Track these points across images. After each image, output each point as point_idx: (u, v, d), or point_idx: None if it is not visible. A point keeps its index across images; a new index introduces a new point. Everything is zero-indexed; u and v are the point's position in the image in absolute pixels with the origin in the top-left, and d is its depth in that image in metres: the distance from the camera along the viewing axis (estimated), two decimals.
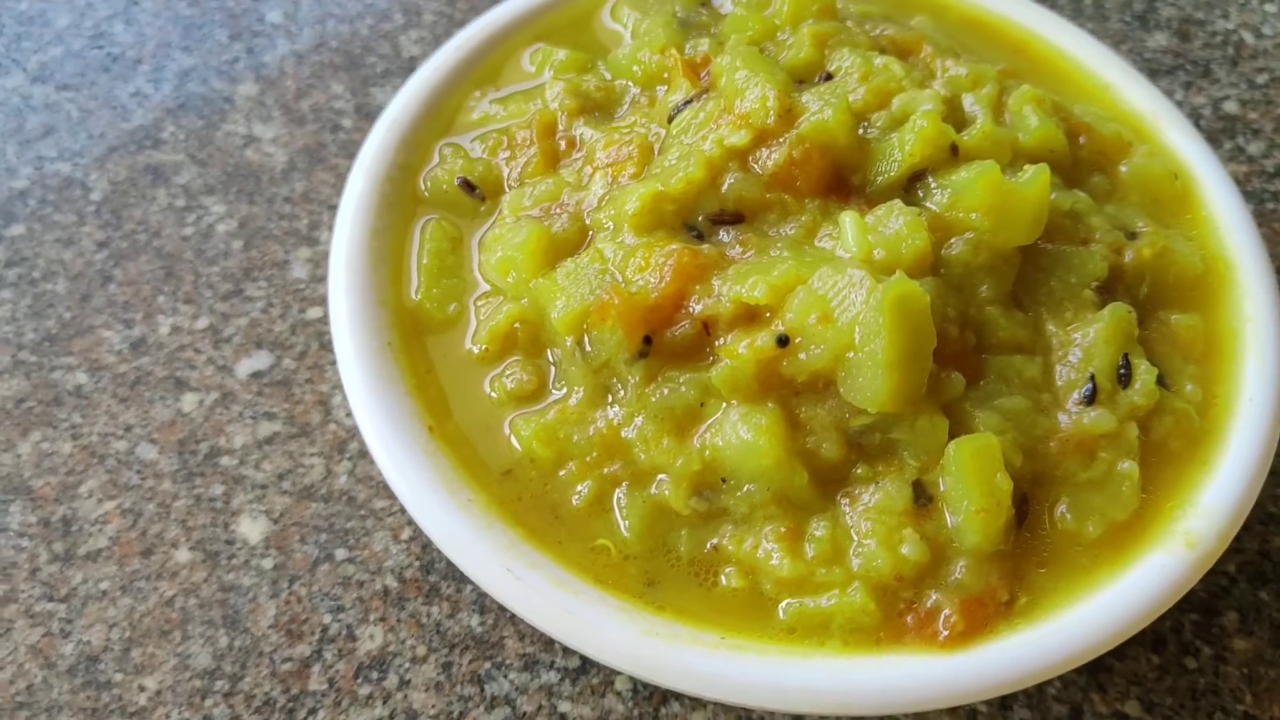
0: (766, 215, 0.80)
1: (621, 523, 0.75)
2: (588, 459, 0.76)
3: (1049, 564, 0.73)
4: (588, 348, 0.77)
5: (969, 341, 0.77)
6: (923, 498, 0.73)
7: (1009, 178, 0.79)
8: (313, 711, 0.84)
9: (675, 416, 0.75)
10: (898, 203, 0.77)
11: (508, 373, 0.81)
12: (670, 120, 0.85)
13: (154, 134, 1.17)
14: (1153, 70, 1.27)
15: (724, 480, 0.74)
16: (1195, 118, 1.22)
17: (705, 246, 0.78)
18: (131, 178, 1.14)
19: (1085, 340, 0.78)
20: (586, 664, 0.86)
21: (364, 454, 0.96)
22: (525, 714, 0.84)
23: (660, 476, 0.75)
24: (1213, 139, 1.20)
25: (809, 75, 0.90)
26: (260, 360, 1.02)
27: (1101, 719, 0.85)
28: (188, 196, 1.12)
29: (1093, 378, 0.77)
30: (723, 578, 0.74)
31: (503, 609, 0.88)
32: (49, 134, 1.17)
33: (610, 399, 0.77)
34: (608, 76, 0.94)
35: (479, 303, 0.84)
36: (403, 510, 0.92)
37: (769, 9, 0.96)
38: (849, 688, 0.67)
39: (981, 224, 0.78)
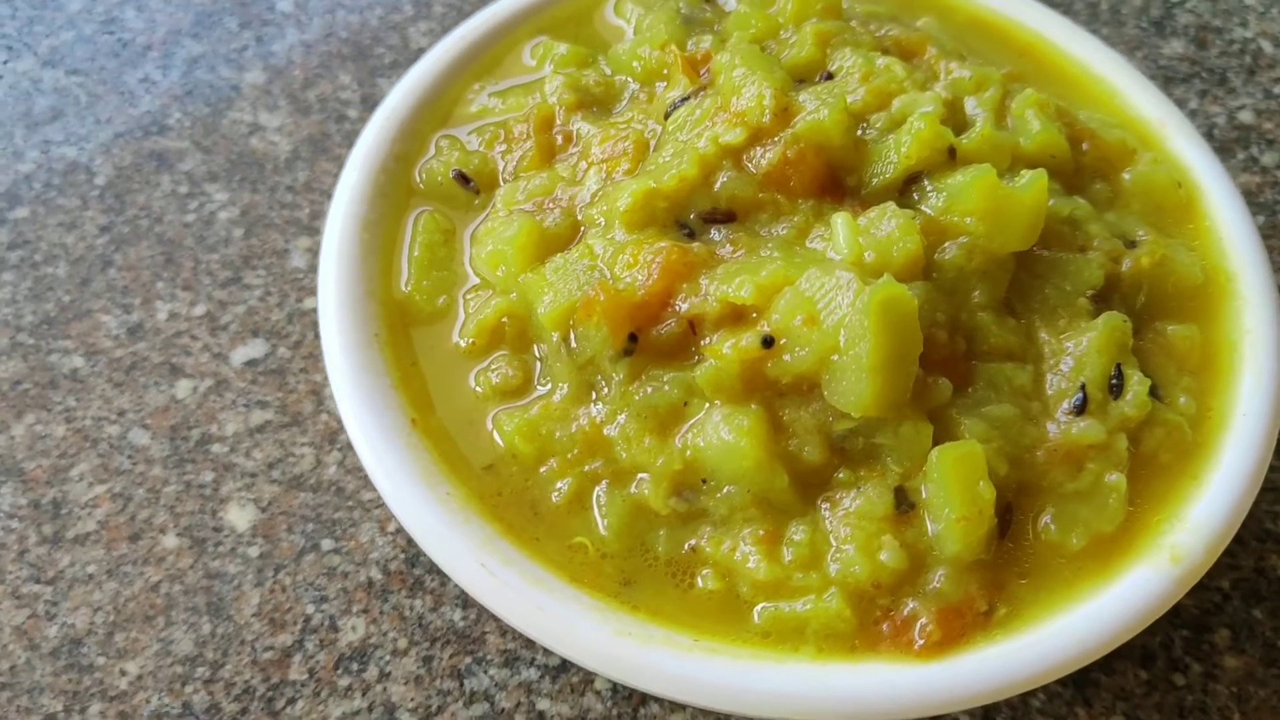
0: (759, 215, 0.80)
1: (600, 521, 0.75)
2: (569, 456, 0.76)
3: (1031, 575, 0.72)
4: (573, 344, 0.76)
5: (959, 347, 0.76)
6: (904, 504, 0.72)
7: (1006, 182, 0.78)
8: (291, 701, 0.84)
9: (658, 415, 0.74)
10: (891, 205, 0.76)
11: (493, 367, 0.80)
12: (667, 117, 0.85)
13: (160, 120, 1.18)
14: (1168, 78, 1.25)
15: (704, 481, 0.73)
16: (1209, 127, 1.21)
17: (695, 245, 0.77)
18: (136, 163, 1.14)
19: (1078, 349, 0.77)
20: (567, 662, 0.85)
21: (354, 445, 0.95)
22: (504, 710, 0.84)
23: (641, 475, 0.74)
24: (1226, 149, 1.19)
25: (810, 74, 0.89)
26: (255, 348, 1.02)
27: None
28: (191, 183, 1.13)
29: (1083, 387, 0.76)
30: (699, 579, 0.73)
31: None
32: (57, 118, 1.18)
33: (594, 396, 0.77)
34: (608, 72, 0.94)
35: (468, 296, 0.84)
36: None
37: (773, 7, 0.96)
38: (821, 695, 0.67)
39: (976, 229, 0.77)
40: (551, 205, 0.84)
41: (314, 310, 1.03)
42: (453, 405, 0.79)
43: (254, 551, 0.91)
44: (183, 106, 1.19)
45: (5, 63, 1.22)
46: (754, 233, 0.79)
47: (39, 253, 1.07)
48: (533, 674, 0.85)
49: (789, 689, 0.67)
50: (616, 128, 0.86)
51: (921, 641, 0.69)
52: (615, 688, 0.84)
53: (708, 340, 0.74)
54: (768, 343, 0.72)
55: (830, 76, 0.88)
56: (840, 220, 0.76)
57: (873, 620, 0.70)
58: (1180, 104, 1.22)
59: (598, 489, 0.75)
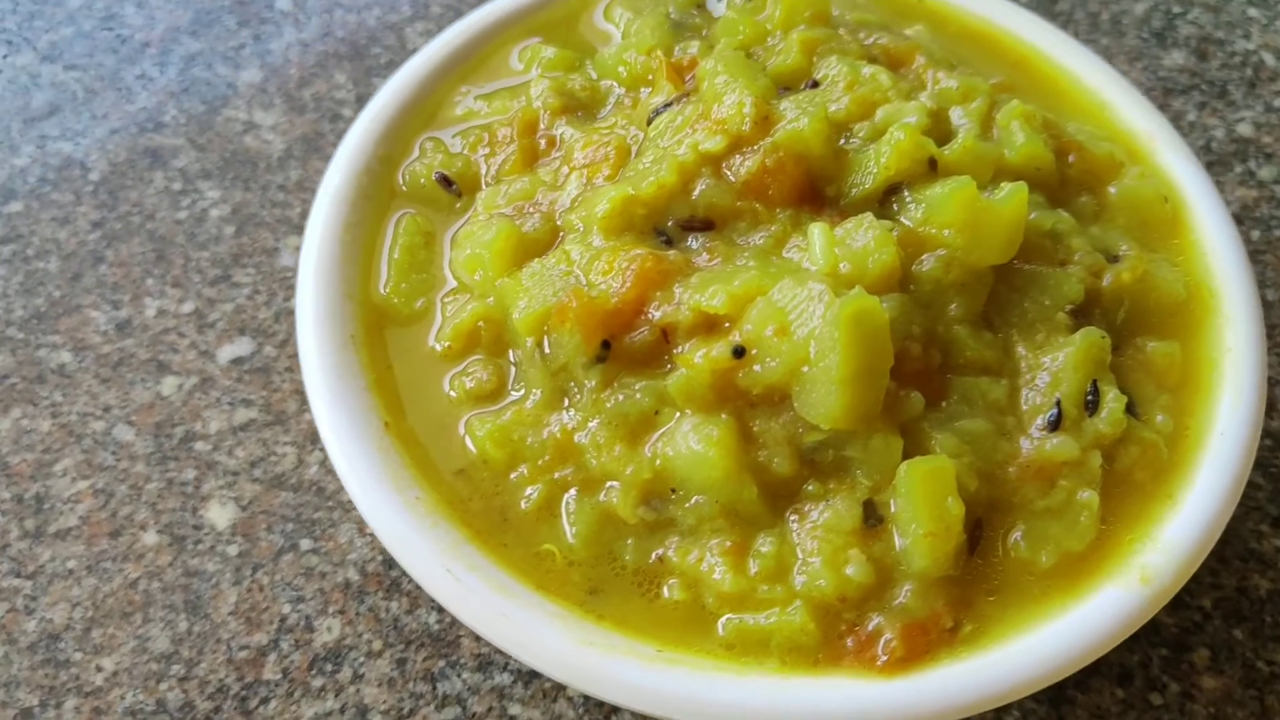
0: (737, 223, 0.79)
1: (568, 529, 0.74)
2: (539, 462, 0.76)
3: (999, 592, 0.72)
4: (547, 350, 0.76)
5: (933, 360, 0.76)
6: (873, 518, 0.71)
7: (987, 195, 0.78)
8: (265, 701, 0.84)
9: (629, 423, 0.74)
10: (869, 216, 0.76)
11: (468, 371, 0.80)
12: (649, 123, 0.85)
13: (156, 117, 1.18)
14: (1167, 89, 1.24)
15: (674, 491, 0.73)
16: (1208, 139, 1.20)
17: (672, 253, 0.77)
18: (131, 160, 1.15)
19: (1054, 364, 0.77)
20: None
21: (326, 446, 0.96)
22: (475, 714, 0.84)
23: (610, 483, 0.74)
24: (1223, 162, 1.18)
25: (795, 82, 0.89)
26: (242, 346, 1.02)
27: None
28: (184, 180, 1.13)
29: (1058, 403, 0.75)
30: (665, 589, 0.73)
31: None
32: (53, 113, 1.18)
33: (566, 402, 0.76)
34: (594, 76, 0.94)
35: (446, 300, 0.84)
36: None
37: (762, 13, 0.95)
38: (781, 708, 0.66)
39: (954, 241, 0.76)
40: (532, 209, 0.84)
41: None
42: (427, 409, 0.79)
43: (233, 550, 0.91)
44: (179, 104, 1.19)
45: (5, 57, 1.23)
46: (731, 241, 0.78)
47: (31, 247, 1.08)
48: (505, 679, 0.85)
49: (750, 702, 0.67)
50: (599, 133, 0.86)
51: (885, 657, 0.68)
52: (588, 695, 0.84)
53: (680, 349, 0.74)
54: (739, 353, 0.71)
55: (816, 84, 0.87)
56: (817, 230, 0.76)
57: (837, 634, 0.70)
58: (1179, 116, 1.22)
59: (567, 496, 0.75)
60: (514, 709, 0.84)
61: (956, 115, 0.88)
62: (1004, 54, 1.01)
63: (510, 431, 0.77)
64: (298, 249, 1.07)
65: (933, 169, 0.80)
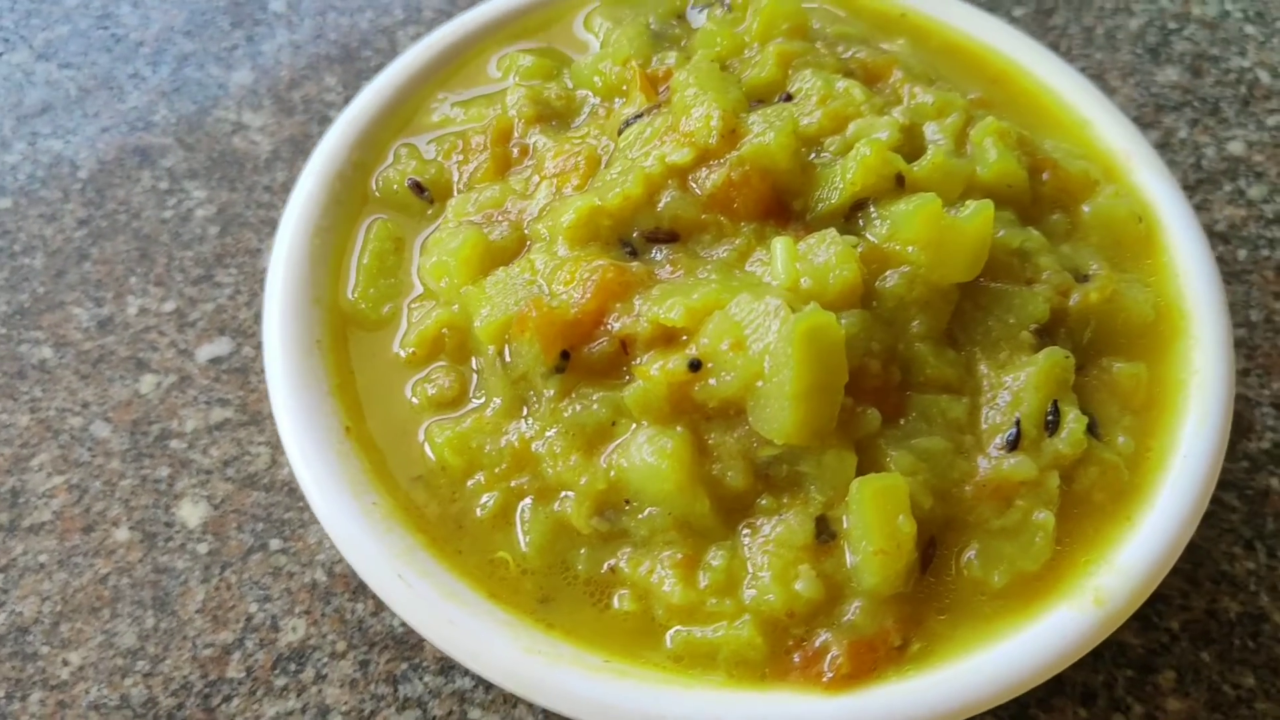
0: (701, 236, 0.79)
1: (522, 537, 0.75)
2: (496, 470, 0.76)
3: (950, 611, 0.72)
4: (508, 358, 0.77)
5: (893, 378, 0.75)
6: (825, 534, 0.71)
7: (953, 212, 0.78)
8: (227, 699, 0.85)
9: (586, 434, 0.74)
10: (832, 231, 0.76)
11: (431, 378, 0.81)
12: (620, 133, 0.85)
13: (146, 116, 1.19)
14: (1159, 106, 1.23)
15: (627, 502, 0.73)
16: (1198, 157, 1.19)
17: (635, 264, 0.77)
18: (120, 158, 1.16)
19: (1016, 383, 0.76)
20: None
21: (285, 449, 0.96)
22: (435, 718, 0.84)
23: (565, 493, 0.74)
24: (1213, 180, 1.17)
25: (770, 95, 0.89)
26: (221, 346, 1.03)
27: None
28: (171, 180, 1.14)
29: (1018, 422, 0.75)
30: (616, 600, 0.73)
31: None
32: (46, 111, 1.20)
33: (525, 411, 0.77)
34: (570, 85, 0.94)
35: (413, 306, 0.84)
36: None
37: (742, 25, 0.95)
38: None
39: (918, 258, 0.76)
40: (500, 218, 0.84)
41: None
42: (388, 415, 0.80)
43: (203, 548, 0.92)
44: (169, 103, 1.20)
45: (0, 55, 1.25)
46: (695, 254, 0.78)
47: (18, 243, 1.09)
48: (467, 683, 0.86)
49: (694, 715, 0.67)
50: (571, 142, 0.87)
51: (830, 674, 0.68)
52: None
53: (639, 360, 0.74)
54: (695, 366, 0.72)
55: (790, 98, 0.87)
56: (780, 245, 0.76)
57: (785, 649, 0.70)
58: (1170, 133, 1.21)
59: (522, 505, 0.75)
60: (474, 713, 0.85)
61: (931, 131, 0.88)
62: (985, 69, 1.00)
63: (469, 439, 0.77)
64: None
65: (900, 185, 0.80)
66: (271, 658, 0.87)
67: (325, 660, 0.87)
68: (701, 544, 0.72)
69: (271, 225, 1.10)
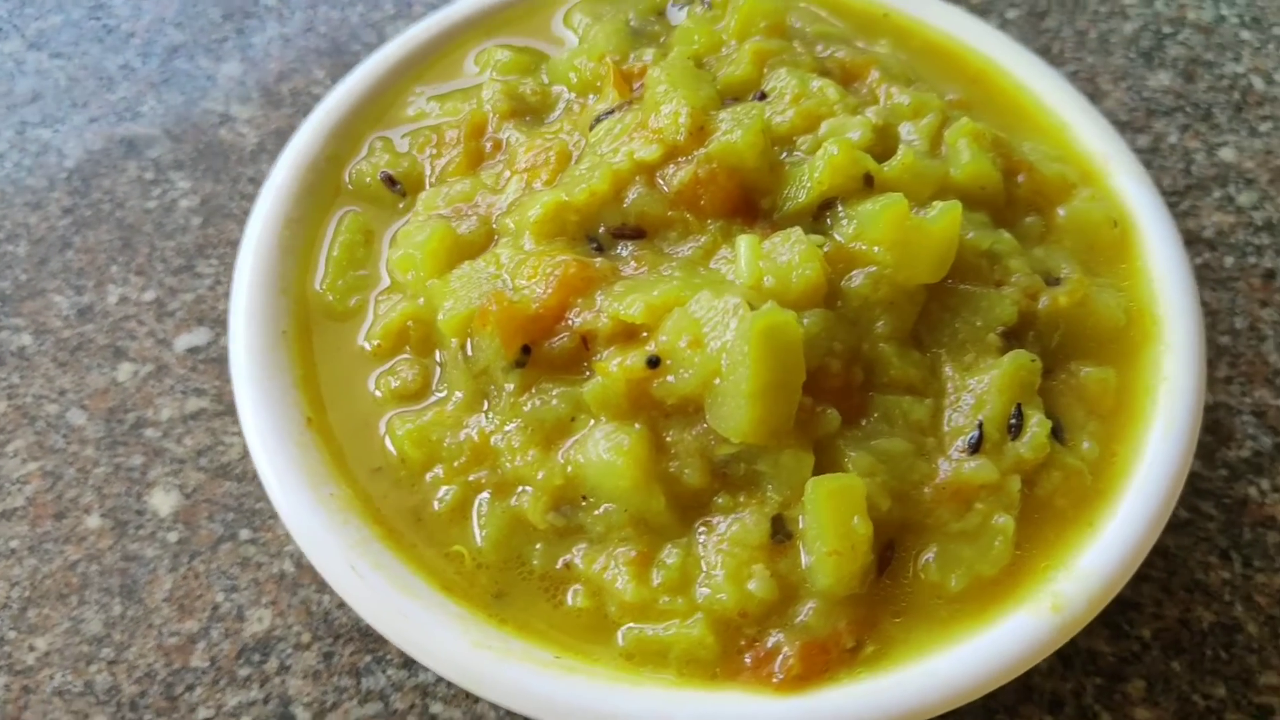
0: (668, 233, 0.79)
1: (479, 531, 0.75)
2: (455, 464, 0.76)
3: (905, 614, 0.71)
4: (470, 352, 0.77)
5: (855, 378, 0.75)
6: (781, 533, 0.71)
7: (921, 213, 0.77)
8: (190, 688, 0.85)
9: (544, 429, 0.74)
10: (797, 230, 0.75)
11: (394, 371, 0.81)
12: (591, 129, 0.85)
13: (134, 107, 1.20)
14: (1150, 110, 1.22)
15: (584, 498, 0.73)
16: (1187, 163, 1.18)
17: (599, 260, 0.77)
18: (106, 148, 1.16)
19: (980, 386, 0.76)
20: None
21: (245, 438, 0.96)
22: (397, 711, 0.84)
23: (523, 488, 0.74)
24: (1202, 186, 1.16)
25: (744, 93, 0.88)
26: (199, 336, 1.03)
27: None
28: (156, 170, 1.14)
29: (980, 425, 0.74)
30: (570, 596, 0.73)
31: None
32: (36, 100, 1.20)
33: (486, 405, 0.77)
34: (546, 81, 0.94)
35: (380, 298, 0.84)
36: None
37: (721, 23, 0.95)
38: None
39: (883, 258, 0.76)
40: (470, 211, 0.84)
41: None
42: (351, 406, 0.80)
43: (173, 537, 0.92)
44: (158, 94, 1.21)
45: None
46: (660, 251, 0.78)
47: (2, 231, 1.10)
48: (429, 677, 0.86)
49: (642, 713, 0.67)
50: (543, 137, 0.86)
51: (781, 675, 0.68)
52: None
53: (599, 356, 0.74)
54: (653, 363, 0.71)
55: (764, 96, 0.87)
56: (744, 243, 0.75)
57: (737, 649, 0.69)
58: (1159, 138, 1.20)
59: (480, 499, 0.75)
60: (436, 707, 0.84)
61: (906, 131, 0.87)
62: (964, 70, 1.00)
63: (429, 432, 0.77)
64: None
65: (869, 185, 0.79)
66: (236, 648, 0.87)
67: (289, 651, 0.87)
68: (657, 541, 0.72)
69: None
